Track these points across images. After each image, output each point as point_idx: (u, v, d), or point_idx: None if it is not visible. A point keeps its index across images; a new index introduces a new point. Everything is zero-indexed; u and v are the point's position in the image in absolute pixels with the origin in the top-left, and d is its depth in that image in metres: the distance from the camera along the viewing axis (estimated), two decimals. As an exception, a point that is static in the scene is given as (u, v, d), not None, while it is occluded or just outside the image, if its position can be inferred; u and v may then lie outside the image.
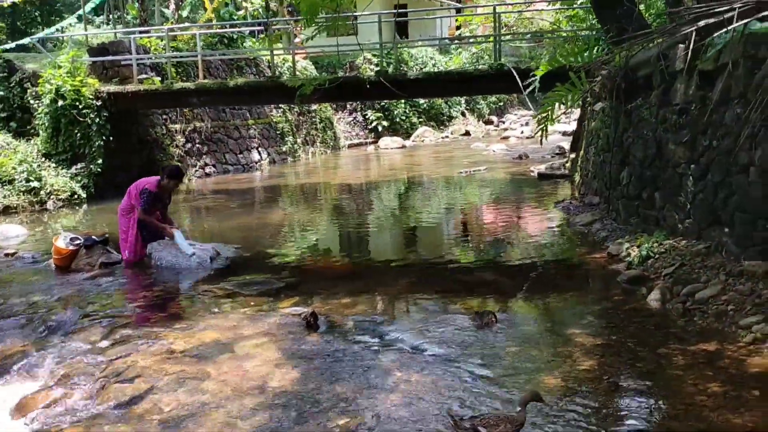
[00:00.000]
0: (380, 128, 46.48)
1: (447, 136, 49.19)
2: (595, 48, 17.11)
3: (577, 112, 25.71)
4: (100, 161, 24.23)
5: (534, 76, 14.70)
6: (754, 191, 9.78)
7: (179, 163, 27.64)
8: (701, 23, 9.72)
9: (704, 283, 9.84)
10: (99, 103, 24.67)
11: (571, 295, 10.87)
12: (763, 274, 9.25)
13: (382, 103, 45.93)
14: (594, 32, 19.16)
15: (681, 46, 11.64)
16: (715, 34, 9.89)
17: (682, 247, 11.21)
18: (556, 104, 12.98)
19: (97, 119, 24.43)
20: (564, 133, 38.54)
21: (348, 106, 46.75)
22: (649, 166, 13.23)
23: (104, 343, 9.23)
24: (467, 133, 50.37)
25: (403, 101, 45.68)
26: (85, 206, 23.18)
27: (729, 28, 9.18)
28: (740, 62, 9.98)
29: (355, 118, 47.40)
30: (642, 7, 16.41)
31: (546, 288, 11.33)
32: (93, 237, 14.40)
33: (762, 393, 6.96)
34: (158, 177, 13.73)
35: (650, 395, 7.14)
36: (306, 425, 6.77)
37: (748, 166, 9.93)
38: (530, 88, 14.68)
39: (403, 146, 43.51)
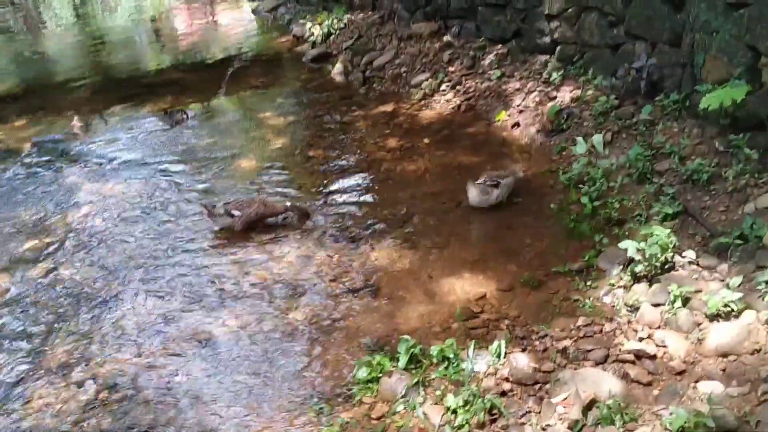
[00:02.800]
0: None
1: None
2: None
3: None
4: None
5: None
6: (414, -45, 10.25)
7: None
8: None
9: (380, 50, 10.39)
10: None
11: (262, 81, 10.85)
12: (428, 35, 9.97)
13: None
14: None
15: None
16: None
17: (359, 20, 11.57)
18: None
19: None
20: None
21: None
22: (322, -59, 13.10)
23: None
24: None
25: None
26: None
27: None
28: None
29: None
30: None
31: (237, 79, 11.14)
32: None
33: (430, 140, 7.78)
34: None
35: (338, 158, 7.61)
36: (-10, 258, 6.24)
37: (406, -70, 10.27)
38: None
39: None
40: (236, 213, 6.16)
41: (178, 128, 8.94)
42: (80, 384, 4.56)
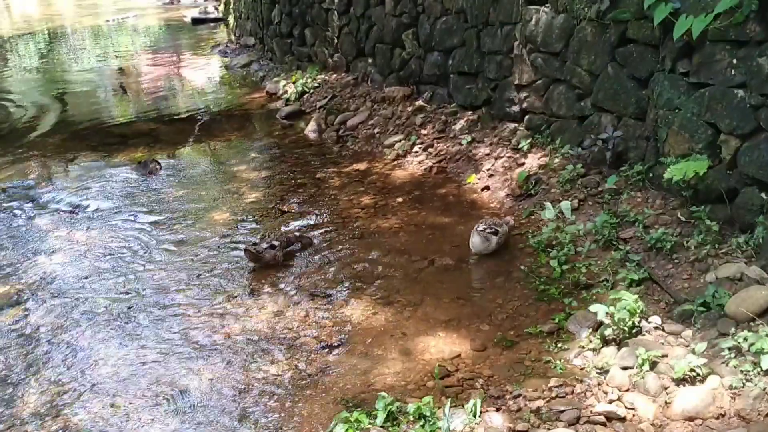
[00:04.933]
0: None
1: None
2: None
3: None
4: None
5: None
6: (390, 22, 10.62)
7: None
8: None
9: (354, 111, 10.66)
10: None
11: (235, 136, 11.00)
12: (401, 98, 10.29)
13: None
14: None
15: None
16: None
17: (334, 80, 11.89)
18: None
19: None
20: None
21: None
22: (298, 3, 13.48)
23: None
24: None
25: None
26: None
27: None
28: None
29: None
30: None
31: (210, 132, 11.30)
32: None
33: (403, 199, 7.96)
34: None
35: (312, 214, 7.73)
36: (-44, 303, 6.12)
37: (383, -3, 10.67)
38: None
39: (37, -6, 38.20)
40: (276, 243, 6.50)
41: (152, 178, 8.97)
42: (52, 435, 4.49)
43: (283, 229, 7.11)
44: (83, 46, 21.86)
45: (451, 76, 9.69)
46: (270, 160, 9.72)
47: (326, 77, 12.10)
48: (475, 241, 6.43)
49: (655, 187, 6.56)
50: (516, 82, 8.50)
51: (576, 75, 7.54)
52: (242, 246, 6.73)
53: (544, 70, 8.04)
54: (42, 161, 10.10)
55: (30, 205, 8.36)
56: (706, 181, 5.85)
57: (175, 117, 12.49)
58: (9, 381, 5.06)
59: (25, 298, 6.16)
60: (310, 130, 10.55)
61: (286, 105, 11.91)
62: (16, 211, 8.13)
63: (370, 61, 11.42)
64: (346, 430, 4.26)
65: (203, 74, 16.30)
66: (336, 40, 12.25)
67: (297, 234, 6.90)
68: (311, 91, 11.90)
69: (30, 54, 21.21)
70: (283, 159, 9.65)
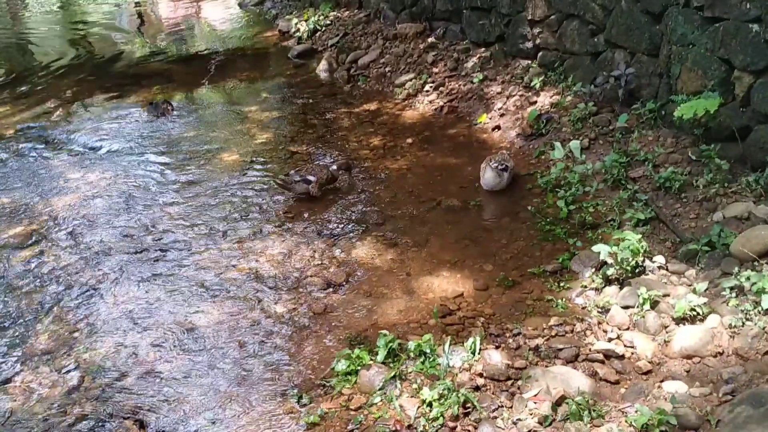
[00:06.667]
0: None
1: None
2: None
3: None
4: None
5: None
6: (402, -44, 10.36)
7: None
8: None
9: (365, 49, 10.49)
10: None
11: (247, 76, 10.91)
12: (413, 35, 10.10)
13: None
14: None
15: None
16: None
17: (346, 17, 11.68)
18: None
19: None
20: None
21: None
22: (310, -63, 13.15)
23: None
24: None
25: None
26: None
27: None
28: None
29: None
30: None
31: (222, 72, 11.19)
32: None
33: (413, 140, 7.91)
34: None
35: (321, 155, 7.72)
36: (-28, 244, 6.26)
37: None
38: None
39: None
40: (311, 178, 6.54)
41: (163, 119, 8.98)
42: (64, 370, 4.63)
43: (329, 165, 7.09)
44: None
45: (464, 11, 9.47)
46: (281, 101, 9.66)
47: (338, 14, 11.89)
48: (488, 177, 6.42)
49: (667, 126, 6.45)
50: (529, 17, 8.29)
51: (589, 10, 7.35)
52: (253, 186, 6.81)
53: (558, 4, 7.84)
54: (58, 103, 10.08)
55: (45, 146, 8.43)
56: (718, 119, 5.74)
57: (188, 56, 12.39)
58: (22, 318, 5.21)
59: (39, 238, 6.27)
60: (322, 69, 10.44)
61: (298, 44, 11.75)
62: (31, 153, 8.21)
63: (383, -4, 11.18)
64: (348, 366, 4.37)
65: (217, 12, 16.03)
66: (349, -25, 11.99)
67: (335, 167, 6.90)
68: (323, 28, 11.72)
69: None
70: (293, 99, 9.60)
